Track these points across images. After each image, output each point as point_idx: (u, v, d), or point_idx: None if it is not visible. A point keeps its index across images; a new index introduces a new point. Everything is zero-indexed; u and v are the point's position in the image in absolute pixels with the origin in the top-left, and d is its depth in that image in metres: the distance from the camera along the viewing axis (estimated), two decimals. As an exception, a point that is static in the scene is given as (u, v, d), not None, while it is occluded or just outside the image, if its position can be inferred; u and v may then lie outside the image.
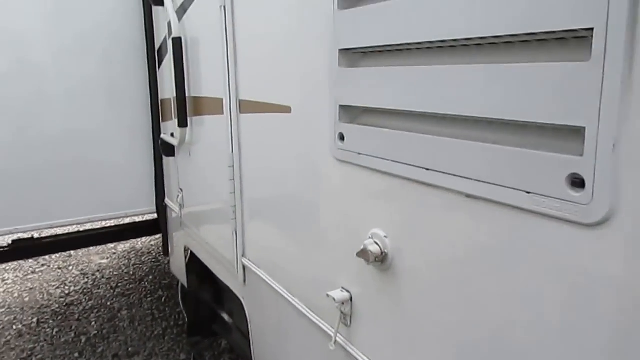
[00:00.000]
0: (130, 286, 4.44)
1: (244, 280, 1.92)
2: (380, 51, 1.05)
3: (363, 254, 1.15)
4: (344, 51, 1.12)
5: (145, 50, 2.70)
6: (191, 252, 2.56)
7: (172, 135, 2.49)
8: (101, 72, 2.67)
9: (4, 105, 2.48)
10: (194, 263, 2.56)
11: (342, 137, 1.19)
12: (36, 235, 3.03)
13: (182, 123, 2.13)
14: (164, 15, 2.45)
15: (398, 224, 1.09)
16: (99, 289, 4.39)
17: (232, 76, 1.73)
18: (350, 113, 1.17)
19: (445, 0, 0.84)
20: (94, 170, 2.72)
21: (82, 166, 2.70)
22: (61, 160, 2.63)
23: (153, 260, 5.04)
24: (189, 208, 2.43)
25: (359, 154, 1.14)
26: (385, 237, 1.12)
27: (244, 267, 1.89)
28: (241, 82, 1.71)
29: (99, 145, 2.73)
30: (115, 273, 4.73)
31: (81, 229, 3.09)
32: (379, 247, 1.13)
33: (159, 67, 2.67)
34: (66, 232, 3.05)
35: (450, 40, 0.84)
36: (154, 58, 2.67)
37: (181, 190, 2.47)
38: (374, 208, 1.15)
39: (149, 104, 2.77)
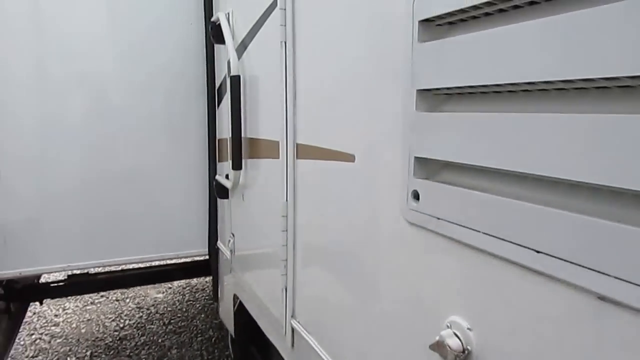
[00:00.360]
0: (182, 324, 4.34)
1: (292, 344, 1.69)
2: (470, 92, 0.83)
3: (438, 347, 0.90)
4: (423, 92, 0.91)
5: (206, 89, 2.64)
6: (240, 301, 2.38)
7: (226, 177, 2.37)
8: (164, 110, 2.63)
9: (84, 145, 2.50)
10: (242, 313, 2.38)
11: (416, 196, 0.97)
12: (91, 271, 2.98)
13: (236, 165, 1.99)
14: (225, 54, 2.38)
15: (488, 316, 0.83)
16: (152, 324, 4.33)
17: (289, 117, 1.56)
18: (427, 167, 0.95)
19: (571, 26, 0.61)
20: (149, 209, 2.66)
21: (138, 204, 2.64)
22: (119, 198, 2.59)
23: (206, 297, 4.94)
24: (240, 255, 2.26)
25: (438, 218, 0.91)
26: (468, 329, 0.87)
27: (293, 330, 1.66)
28: (299, 124, 1.54)
29: (157, 183, 2.67)
30: (169, 309, 4.67)
31: (135, 267, 3.02)
32: (460, 341, 0.88)
33: (218, 106, 2.59)
34: (120, 269, 2.99)
35: (580, 80, 0.61)
36: (213, 97, 2.60)
37: (233, 235, 2.32)
38: (455, 290, 0.90)
39: (207, 143, 2.68)
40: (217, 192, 2.39)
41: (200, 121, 2.68)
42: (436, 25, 0.88)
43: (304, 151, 1.53)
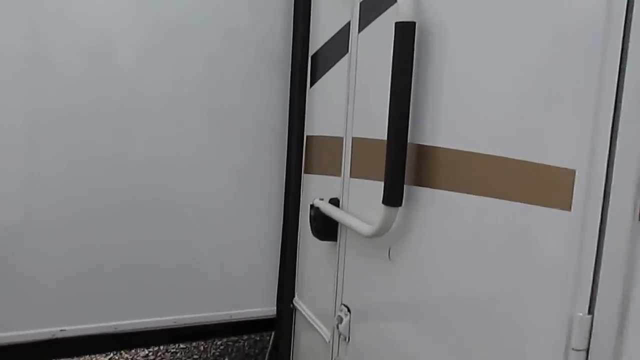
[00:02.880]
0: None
1: None
2: None
3: None
4: None
5: (291, 58, 1.66)
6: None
7: (333, 202, 1.40)
8: (207, 85, 1.64)
9: (75, 129, 1.52)
10: None
11: None
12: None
13: (394, 197, 1.02)
14: (332, 3, 1.41)
15: None
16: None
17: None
18: None
19: None
20: (181, 240, 1.68)
21: (166, 229, 1.67)
22: (139, 211, 1.62)
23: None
24: (368, 348, 1.29)
25: None
26: None
27: None
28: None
29: (193, 197, 1.69)
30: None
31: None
32: None
33: (310, 84, 1.61)
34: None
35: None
36: (302, 71, 1.62)
37: (347, 308, 1.35)
38: None
39: (285, 143, 1.71)
40: (315, 227, 1.42)
41: (275, 108, 1.70)
42: None
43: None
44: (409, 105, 1.01)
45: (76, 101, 1.51)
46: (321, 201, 1.43)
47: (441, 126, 0.98)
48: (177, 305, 1.70)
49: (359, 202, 1.28)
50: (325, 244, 1.46)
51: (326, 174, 1.51)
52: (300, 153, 1.65)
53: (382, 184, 1.08)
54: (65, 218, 1.54)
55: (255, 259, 1.77)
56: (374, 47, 1.19)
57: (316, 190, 1.59)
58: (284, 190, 1.73)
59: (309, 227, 1.47)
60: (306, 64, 1.62)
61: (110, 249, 1.61)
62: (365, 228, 1.13)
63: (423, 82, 1.02)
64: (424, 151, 1.02)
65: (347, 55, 1.33)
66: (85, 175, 1.55)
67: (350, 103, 1.31)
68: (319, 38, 1.55)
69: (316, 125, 1.60)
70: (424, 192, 1.03)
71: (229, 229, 1.74)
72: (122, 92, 1.55)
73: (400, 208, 1.06)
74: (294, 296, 1.75)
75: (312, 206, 1.44)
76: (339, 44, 1.38)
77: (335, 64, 1.42)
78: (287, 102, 1.69)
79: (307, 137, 1.65)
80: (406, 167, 1.03)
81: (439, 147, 0.99)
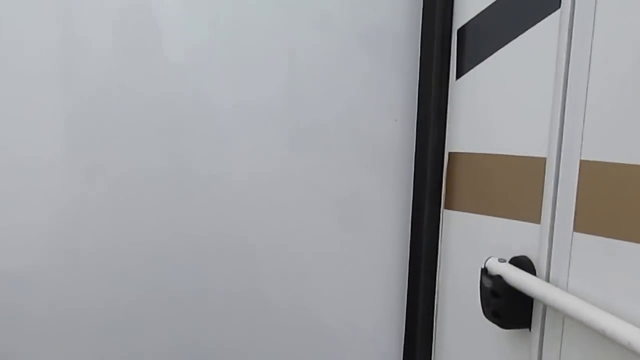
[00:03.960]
0: None
1: None
2: None
3: None
4: None
5: (419, 38, 1.12)
6: None
7: (515, 262, 0.84)
8: (290, 86, 1.13)
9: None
10: None
11: None
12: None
13: None
14: None
15: None
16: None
17: None
18: None
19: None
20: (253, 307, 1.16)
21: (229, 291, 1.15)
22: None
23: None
24: None
25: None
26: None
27: None
28: None
29: (268, 242, 1.17)
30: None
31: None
32: None
33: (457, 76, 1.06)
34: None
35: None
36: (442, 55, 1.07)
37: None
38: None
39: (412, 163, 1.16)
40: (494, 307, 0.86)
41: (393, 111, 1.16)
42: None
43: None
44: None
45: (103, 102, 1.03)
46: (502, 263, 0.86)
47: None
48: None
49: (610, 281, 0.71)
50: (504, 330, 0.90)
51: (494, 215, 0.95)
52: (439, 179, 1.10)
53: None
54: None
55: (364, 337, 1.22)
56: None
57: (465, 237, 1.03)
58: (409, 235, 1.18)
59: (480, 304, 0.90)
60: (448, 44, 1.06)
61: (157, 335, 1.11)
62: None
63: None
64: None
65: (556, 14, 0.77)
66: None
67: (572, 98, 0.74)
68: (465, 13, 0.99)
69: (466, 137, 1.04)
70: None
71: (323, 289, 1.20)
72: (171, 100, 1.06)
73: None
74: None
75: (485, 272, 0.88)
76: (505, 16, 0.82)
77: (518, 35, 0.86)
78: (412, 103, 1.14)
79: (449, 154, 1.09)
80: None
81: None
